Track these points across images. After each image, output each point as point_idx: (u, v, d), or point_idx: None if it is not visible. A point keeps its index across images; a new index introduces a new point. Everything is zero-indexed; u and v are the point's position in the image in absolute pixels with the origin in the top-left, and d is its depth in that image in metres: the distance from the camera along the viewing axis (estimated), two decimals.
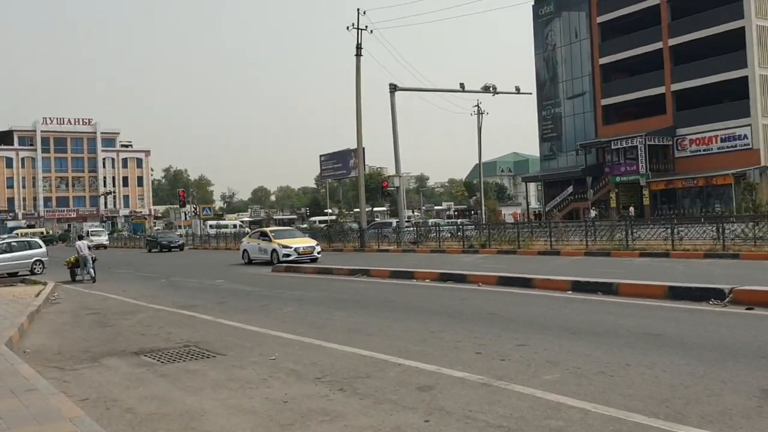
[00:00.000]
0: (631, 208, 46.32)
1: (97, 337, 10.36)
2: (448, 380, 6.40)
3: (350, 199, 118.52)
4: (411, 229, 31.80)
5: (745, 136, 47.86)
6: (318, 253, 25.44)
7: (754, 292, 9.72)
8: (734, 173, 46.13)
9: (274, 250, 24.70)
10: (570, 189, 57.81)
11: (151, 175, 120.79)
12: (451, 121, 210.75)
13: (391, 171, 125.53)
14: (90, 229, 60.31)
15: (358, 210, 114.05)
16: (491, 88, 36.03)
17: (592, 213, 44.35)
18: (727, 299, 9.84)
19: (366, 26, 30.60)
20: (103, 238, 58.57)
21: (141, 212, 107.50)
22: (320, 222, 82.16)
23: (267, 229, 28.13)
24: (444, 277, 15.28)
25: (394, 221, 40.52)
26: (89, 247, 23.64)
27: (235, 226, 67.98)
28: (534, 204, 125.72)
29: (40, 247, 28.81)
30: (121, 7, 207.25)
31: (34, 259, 27.51)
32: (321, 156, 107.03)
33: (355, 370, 7.05)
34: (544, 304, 11.02)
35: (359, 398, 5.97)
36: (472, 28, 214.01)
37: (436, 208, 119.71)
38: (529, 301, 11.59)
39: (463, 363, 7.06)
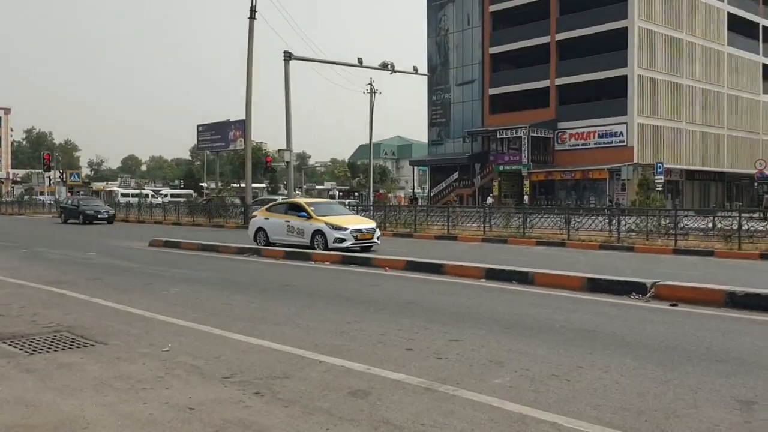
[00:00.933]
0: (489, 198, 47.68)
1: None
2: (384, 383, 5.46)
3: (227, 173, 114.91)
4: None
5: (621, 134, 49.99)
6: (378, 238, 18.79)
7: (677, 288, 9.44)
8: (609, 168, 48.07)
9: (318, 232, 17.72)
10: (455, 175, 58.41)
11: (11, 136, 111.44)
12: (336, 100, 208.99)
13: (272, 146, 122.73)
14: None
15: (235, 185, 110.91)
16: (389, 66, 35.22)
17: (489, 200, 44.76)
18: (648, 294, 9.52)
19: None
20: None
21: None
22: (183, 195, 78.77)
23: (303, 201, 20.30)
24: (346, 260, 14.33)
25: (279, 198, 39.05)
26: None
27: (147, 195, 63.64)
28: (416, 188, 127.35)
29: None
30: None
31: None
32: (199, 126, 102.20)
33: (269, 368, 5.96)
34: (463, 293, 10.32)
35: (283, 405, 4.91)
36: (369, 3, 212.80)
37: (317, 187, 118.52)
38: (446, 289, 10.85)
39: (395, 362, 6.15)
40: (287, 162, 30.21)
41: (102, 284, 11.71)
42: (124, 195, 64.15)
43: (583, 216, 21.32)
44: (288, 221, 18.60)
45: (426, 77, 61.38)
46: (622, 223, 20.19)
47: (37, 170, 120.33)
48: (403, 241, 21.47)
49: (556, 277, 10.80)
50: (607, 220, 20.41)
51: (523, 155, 51.86)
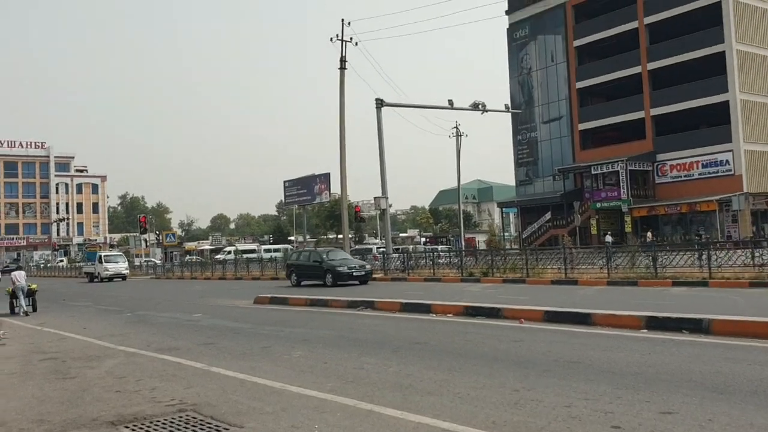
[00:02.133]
0: (608, 236, 44.75)
1: (56, 396, 7.80)
2: None
3: (312, 227, 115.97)
4: (396, 255, 29.46)
5: (727, 162, 47.04)
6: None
7: None
8: (718, 199, 45.13)
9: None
10: (548, 215, 56.32)
11: (107, 202, 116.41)
12: (413, 146, 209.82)
13: (354, 196, 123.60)
14: (104, 254, 46.43)
15: (323, 237, 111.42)
16: (480, 106, 34.20)
17: (608, 238, 42.17)
18: None
19: (351, 38, 28.64)
20: (122, 266, 43.16)
21: (96, 240, 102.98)
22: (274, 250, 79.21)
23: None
24: (470, 311, 13.02)
25: (373, 247, 38.21)
26: (25, 277, 21.49)
27: (253, 250, 64.75)
28: (503, 231, 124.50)
29: None
30: (78, 28, 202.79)
31: None
32: (285, 182, 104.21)
33: None
34: (633, 348, 8.82)
35: None
36: (445, 48, 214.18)
37: (401, 235, 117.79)
38: (606, 343, 9.36)
39: None
40: (383, 209, 29.32)
41: (216, 349, 10.83)
42: (215, 251, 64.67)
43: (718, 251, 19.25)
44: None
45: (510, 117, 60.31)
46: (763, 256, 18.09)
47: (132, 233, 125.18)
48: (516, 288, 19.95)
49: (738, 324, 9.17)
50: (749, 255, 18.31)
51: (621, 190, 49.45)
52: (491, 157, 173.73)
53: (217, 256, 59.03)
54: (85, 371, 9.45)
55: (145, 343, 12.03)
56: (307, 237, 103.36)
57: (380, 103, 29.34)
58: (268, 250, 67.83)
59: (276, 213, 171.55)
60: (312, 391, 7.21)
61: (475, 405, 6.20)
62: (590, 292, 17.72)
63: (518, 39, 61.33)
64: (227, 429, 5.89)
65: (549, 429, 5.31)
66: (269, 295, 19.04)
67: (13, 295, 21.23)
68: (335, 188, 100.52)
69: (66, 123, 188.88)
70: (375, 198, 29.78)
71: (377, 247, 40.43)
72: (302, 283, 26.71)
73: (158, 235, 56.54)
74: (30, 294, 21.54)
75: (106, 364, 10.03)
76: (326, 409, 6.39)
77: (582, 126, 55.92)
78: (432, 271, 25.92)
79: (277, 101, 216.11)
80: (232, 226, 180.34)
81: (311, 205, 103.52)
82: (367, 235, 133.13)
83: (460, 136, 49.42)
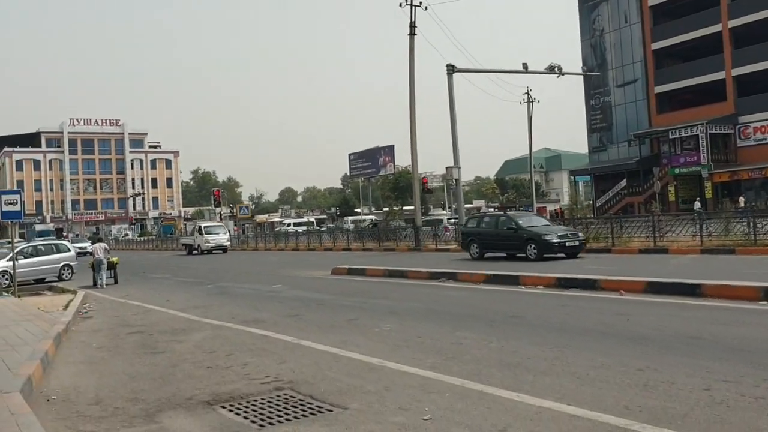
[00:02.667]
0: (697, 202, 42.67)
1: (147, 372, 7.61)
2: None
3: (377, 199, 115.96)
4: None
5: None
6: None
7: None
8: None
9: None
10: (623, 182, 54.43)
11: (180, 176, 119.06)
12: (477, 114, 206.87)
13: (420, 169, 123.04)
14: (204, 225, 41.93)
15: (386, 209, 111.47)
16: (556, 68, 32.86)
17: (697, 204, 39.96)
18: None
19: (420, 2, 27.74)
20: (223, 237, 39.82)
21: (171, 214, 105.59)
22: (353, 221, 79.28)
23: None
24: (563, 283, 12.35)
25: (444, 218, 37.54)
26: (105, 250, 22.08)
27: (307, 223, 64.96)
28: (567, 200, 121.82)
29: (69, 250, 26.39)
30: (151, 8, 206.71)
31: (63, 263, 25.10)
32: (350, 155, 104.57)
33: None
34: (759, 323, 8.09)
35: None
36: (511, 10, 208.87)
37: (467, 206, 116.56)
38: (725, 317, 8.60)
39: None
40: (456, 180, 28.62)
41: (303, 322, 10.55)
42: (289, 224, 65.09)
43: None
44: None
45: (582, 81, 58.44)
46: None
47: (204, 207, 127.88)
48: (603, 258, 19.04)
49: None
50: None
51: (701, 155, 47.25)
52: (559, 124, 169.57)
53: (276, 229, 59.61)
54: (174, 345, 9.31)
55: (230, 316, 11.88)
56: (372, 209, 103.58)
57: (451, 69, 28.44)
58: (298, 224, 67.89)
59: (341, 186, 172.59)
60: (412, 368, 6.78)
61: (599, 387, 5.64)
62: (684, 261, 16.74)
63: (590, 0, 58.97)
64: (331, 411, 5.52)
65: (693, 416, 4.72)
66: (346, 266, 18.77)
67: (96, 268, 21.69)
68: (399, 160, 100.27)
69: (139, 101, 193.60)
70: (447, 168, 29.12)
71: (447, 218, 39.71)
72: (486, 256, 21.45)
73: (232, 208, 57.24)
74: (110, 267, 22.02)
75: (194, 337, 9.87)
76: (432, 388, 5.95)
77: (658, 89, 53.50)
78: None
79: (342, 73, 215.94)
80: (299, 199, 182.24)
81: (376, 177, 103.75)
82: (431, 206, 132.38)
83: (532, 101, 47.94)
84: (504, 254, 20.86)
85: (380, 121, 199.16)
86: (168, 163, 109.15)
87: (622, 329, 8.22)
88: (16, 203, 18.73)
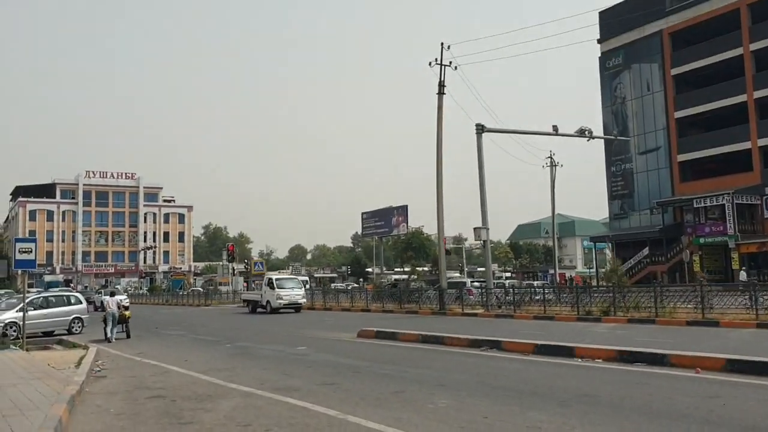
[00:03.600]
0: (743, 272, 40.91)
1: None
2: None
3: (388, 259, 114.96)
4: (499, 290, 27.60)
5: None
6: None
7: None
8: None
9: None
10: (645, 251, 53.27)
11: (192, 231, 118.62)
12: (489, 177, 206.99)
13: (430, 230, 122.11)
14: (276, 278, 36.33)
15: (398, 270, 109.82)
16: (587, 132, 32.25)
17: (743, 274, 38.45)
18: None
19: (450, 62, 27.37)
20: (298, 294, 34.28)
21: (181, 268, 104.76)
22: (362, 281, 78.01)
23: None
24: (626, 357, 11.22)
25: (468, 280, 36.41)
26: (119, 305, 21.43)
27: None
28: (580, 267, 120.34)
29: (80, 302, 25.42)
30: (166, 66, 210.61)
31: (73, 316, 24.14)
32: (363, 213, 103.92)
33: None
34: None
35: None
36: (533, 75, 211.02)
37: (479, 269, 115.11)
38: None
39: None
40: (484, 241, 27.66)
41: (342, 392, 9.49)
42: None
43: None
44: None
45: (603, 148, 57.97)
46: None
47: (215, 262, 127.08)
48: (648, 329, 17.83)
49: None
50: None
51: (728, 225, 46.19)
52: (572, 191, 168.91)
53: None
54: (201, 415, 8.26)
55: (258, 381, 10.83)
56: (384, 269, 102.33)
57: (481, 129, 27.82)
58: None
59: (351, 245, 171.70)
60: None
61: None
62: (744, 335, 15.57)
63: (611, 68, 59.03)
64: None
65: None
66: (374, 329, 17.66)
67: (106, 322, 21.02)
68: (413, 221, 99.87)
69: (154, 156, 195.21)
70: (475, 228, 28.19)
71: (471, 281, 38.62)
72: None
73: (246, 264, 56.43)
74: (122, 321, 21.27)
75: (222, 406, 8.82)
76: None
77: (681, 157, 52.92)
78: (542, 308, 23.99)
79: (356, 130, 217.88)
80: (309, 256, 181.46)
81: (388, 237, 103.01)
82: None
83: (555, 165, 47.26)
84: None
85: (393, 182, 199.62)
86: (181, 217, 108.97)
87: (726, 417, 7.12)
88: (31, 252, 17.89)
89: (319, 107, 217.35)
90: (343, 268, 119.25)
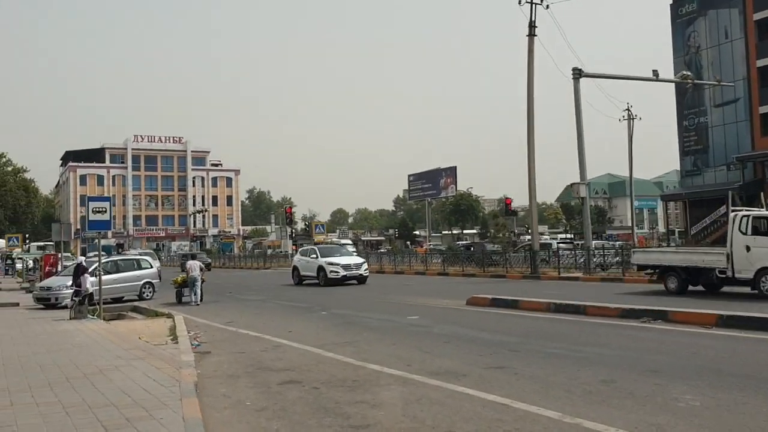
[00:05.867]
0: None
1: None
2: None
3: (436, 221, 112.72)
4: (599, 251, 25.00)
5: None
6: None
7: None
8: None
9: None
10: (723, 209, 50.07)
11: (240, 195, 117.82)
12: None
13: (482, 192, 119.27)
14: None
15: (446, 233, 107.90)
16: (689, 78, 29.47)
17: None
18: None
19: (541, 0, 24.70)
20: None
21: (230, 232, 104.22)
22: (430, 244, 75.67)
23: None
24: None
25: (553, 242, 34.09)
26: (201, 269, 20.82)
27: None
28: (645, 228, 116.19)
29: (150, 267, 23.99)
30: (218, 31, 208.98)
31: (144, 281, 22.69)
32: (410, 176, 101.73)
33: None
34: None
35: None
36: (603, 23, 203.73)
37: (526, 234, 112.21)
38: None
39: None
40: (582, 197, 25.31)
41: (526, 379, 7.56)
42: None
43: None
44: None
45: (675, 99, 54.55)
46: None
47: (260, 225, 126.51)
48: None
49: None
50: None
51: None
52: (623, 149, 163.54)
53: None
54: (369, 412, 6.40)
55: (398, 360, 9.00)
56: (431, 232, 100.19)
57: (578, 74, 25.19)
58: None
59: (393, 208, 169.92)
60: None
61: None
62: None
63: (684, 14, 55.14)
64: None
65: None
66: (488, 296, 15.65)
67: (183, 285, 20.67)
68: (462, 183, 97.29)
69: (202, 120, 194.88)
70: (573, 184, 25.84)
71: (557, 242, 36.27)
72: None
73: (307, 226, 54.94)
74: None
75: (385, 397, 6.96)
76: None
77: (763, 109, 49.28)
78: None
79: (405, 91, 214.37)
80: (350, 220, 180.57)
81: (437, 198, 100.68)
82: (492, 230, 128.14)
83: (633, 119, 44.14)
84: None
85: (438, 144, 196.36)
86: (228, 181, 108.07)
87: None
88: (105, 212, 16.34)
89: (364, 70, 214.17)
90: (390, 231, 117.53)
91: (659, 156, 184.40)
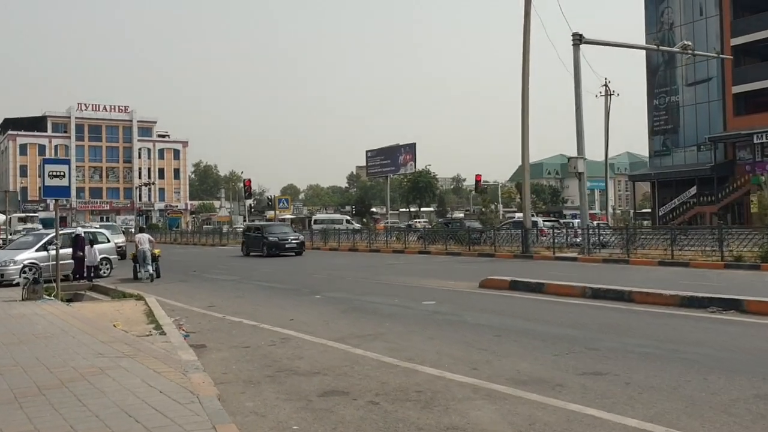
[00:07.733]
0: None
1: None
2: None
3: (394, 198, 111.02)
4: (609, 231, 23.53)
5: None
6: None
7: None
8: None
9: None
10: (693, 190, 49.64)
11: (188, 168, 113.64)
12: (486, 115, 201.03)
13: (435, 170, 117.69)
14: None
15: (403, 210, 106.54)
16: (689, 49, 28.19)
17: None
18: None
19: None
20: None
21: (177, 206, 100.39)
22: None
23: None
24: None
25: (539, 219, 32.63)
26: (150, 241, 19.59)
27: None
28: (599, 207, 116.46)
29: (108, 241, 21.59)
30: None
31: (101, 256, 20.23)
32: (368, 152, 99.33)
33: None
34: None
35: None
36: None
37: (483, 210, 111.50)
38: None
39: None
40: (580, 173, 23.72)
41: (648, 391, 5.81)
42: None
43: None
44: None
45: (645, 79, 53.80)
46: None
47: (207, 200, 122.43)
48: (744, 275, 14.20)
49: None
50: None
51: None
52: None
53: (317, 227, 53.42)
54: None
55: (453, 360, 7.15)
56: (389, 210, 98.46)
57: (578, 40, 23.42)
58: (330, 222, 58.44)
59: (347, 185, 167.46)
60: None
61: None
62: None
63: None
64: None
65: None
66: (506, 278, 13.88)
67: (136, 260, 19.43)
68: (421, 159, 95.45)
69: (149, 89, 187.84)
70: (570, 159, 24.34)
71: (543, 220, 34.81)
72: None
73: (269, 201, 52.26)
74: (153, 260, 19.28)
75: (478, 419, 5.20)
76: None
77: (737, 89, 48.61)
78: (667, 251, 20.22)
79: (358, 67, 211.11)
80: (302, 196, 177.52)
81: (397, 175, 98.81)
82: (450, 208, 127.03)
83: (610, 95, 42.94)
84: None
85: (395, 119, 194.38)
86: (176, 153, 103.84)
87: None
88: (64, 176, 14.02)
89: (317, 44, 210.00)
90: (347, 208, 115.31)
91: (611, 137, 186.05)
